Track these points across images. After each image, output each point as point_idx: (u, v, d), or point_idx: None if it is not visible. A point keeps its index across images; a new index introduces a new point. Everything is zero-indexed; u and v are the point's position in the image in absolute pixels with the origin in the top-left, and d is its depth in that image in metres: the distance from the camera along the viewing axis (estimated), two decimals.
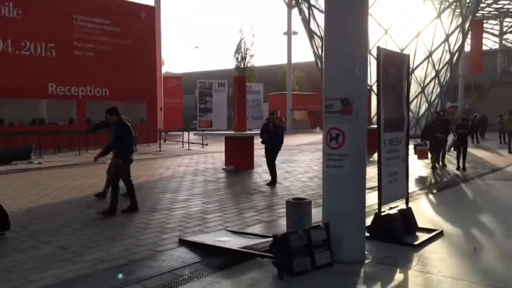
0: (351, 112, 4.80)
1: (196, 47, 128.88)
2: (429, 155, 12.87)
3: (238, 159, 13.04)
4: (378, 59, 5.59)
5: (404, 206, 6.11)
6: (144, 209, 7.41)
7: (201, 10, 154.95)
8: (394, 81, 6.05)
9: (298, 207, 5.34)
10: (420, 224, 6.12)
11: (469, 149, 13.60)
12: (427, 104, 28.97)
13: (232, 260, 4.72)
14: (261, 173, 12.04)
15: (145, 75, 23.94)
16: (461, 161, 12.69)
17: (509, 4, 51.01)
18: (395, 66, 6.09)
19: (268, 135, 10.04)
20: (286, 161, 15.41)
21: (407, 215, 5.97)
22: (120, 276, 4.34)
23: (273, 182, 10.11)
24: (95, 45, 22.07)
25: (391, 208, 5.96)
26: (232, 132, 14.88)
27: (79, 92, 21.62)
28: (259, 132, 10.58)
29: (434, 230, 5.89)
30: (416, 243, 5.38)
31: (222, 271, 4.50)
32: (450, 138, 13.27)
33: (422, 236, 5.65)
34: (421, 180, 10.87)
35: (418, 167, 12.87)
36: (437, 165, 12.66)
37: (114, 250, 5.18)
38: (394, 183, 5.97)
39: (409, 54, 6.49)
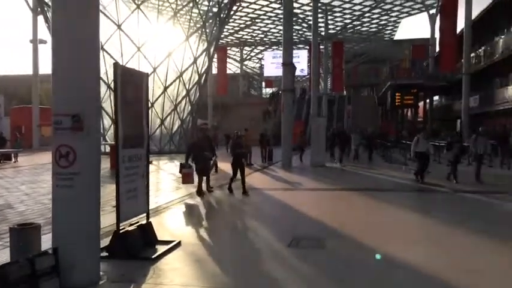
0: (82, 129, 4.63)
1: None
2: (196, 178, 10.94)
3: None
4: (114, 75, 5.57)
5: (145, 221, 6.23)
6: None
7: None
8: (133, 98, 6.13)
9: (22, 233, 4.79)
10: (164, 237, 6.36)
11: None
12: (179, 121, 30.62)
13: None
14: None
15: None
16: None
17: (247, 35, 59.16)
18: (134, 84, 6.19)
19: None
20: (28, 181, 13.81)
21: (147, 230, 6.10)
22: None
23: None
24: None
25: (131, 225, 5.98)
26: None
27: None
28: None
29: (172, 241, 6.18)
30: (153, 256, 5.54)
31: None
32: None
33: (161, 249, 5.86)
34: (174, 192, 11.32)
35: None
36: (204, 190, 10.93)
37: None
38: (133, 200, 6.00)
39: (147, 73, 6.69)
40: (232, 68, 67.06)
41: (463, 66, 30.10)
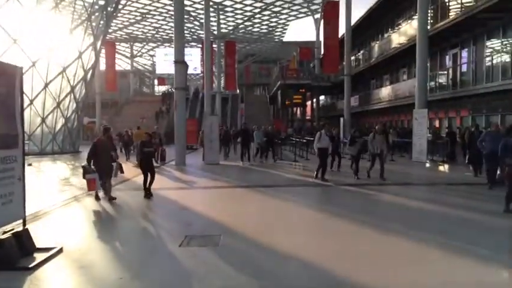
0: None
1: None
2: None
3: None
4: None
5: (21, 228, 5.71)
6: None
7: None
8: (4, 94, 5.58)
9: None
10: (44, 244, 5.88)
11: None
12: (63, 120, 28.53)
13: None
14: None
15: None
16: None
17: (137, 31, 57.16)
18: (6, 78, 5.63)
19: None
20: None
21: (23, 237, 5.59)
22: None
23: None
24: None
25: (5, 232, 5.44)
26: None
27: None
28: None
29: (53, 248, 5.75)
30: (30, 265, 5.09)
31: None
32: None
33: (40, 257, 5.41)
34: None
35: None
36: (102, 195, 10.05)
37: None
38: (8, 205, 5.48)
39: (21, 67, 6.11)
40: (123, 64, 64.41)
41: (344, 69, 32.44)
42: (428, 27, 21.00)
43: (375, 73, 35.74)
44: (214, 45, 45.09)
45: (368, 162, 13.90)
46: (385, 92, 31.99)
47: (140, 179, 10.65)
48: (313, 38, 48.82)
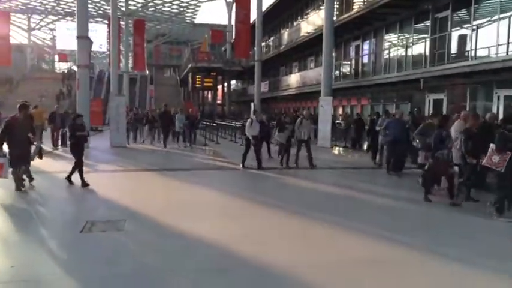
0: None
1: None
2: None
3: None
4: None
5: None
6: None
7: None
8: None
9: None
10: None
11: None
12: None
13: None
14: None
15: None
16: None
17: (35, 1, 52.49)
18: None
19: None
20: None
21: None
22: None
23: None
24: None
25: None
26: None
27: None
28: None
29: None
30: None
31: None
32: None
33: None
34: None
35: None
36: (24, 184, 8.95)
37: None
38: None
39: None
40: (19, 37, 58.94)
41: (255, 54, 32.85)
42: (334, 18, 21.97)
43: (284, 60, 36.69)
44: (122, 23, 42.99)
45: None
46: (294, 78, 33.06)
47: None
48: (225, 22, 48.67)
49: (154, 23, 57.48)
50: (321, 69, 21.74)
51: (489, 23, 14.91)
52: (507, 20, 13.65)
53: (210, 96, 50.85)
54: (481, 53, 14.98)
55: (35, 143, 9.28)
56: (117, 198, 8.17)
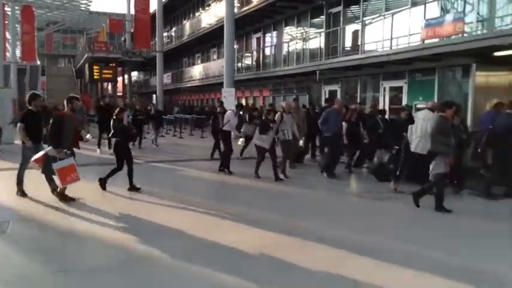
0: None
1: None
2: None
3: None
4: None
5: None
6: None
7: None
8: None
9: None
10: None
11: None
12: None
13: None
14: None
15: None
16: None
17: None
18: None
19: None
20: None
21: None
22: None
23: None
24: None
25: None
26: None
27: None
28: None
29: None
30: None
31: None
32: None
33: None
34: None
35: None
36: None
37: None
38: None
39: None
40: None
41: (156, 45, 32.01)
42: (235, 10, 22.14)
43: (187, 51, 36.24)
44: (7, 9, 39.13)
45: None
46: (197, 70, 32.79)
47: None
48: (124, 10, 46.68)
49: (44, 9, 53.16)
50: (224, 60, 21.83)
51: (377, 19, 16.12)
52: (390, 17, 14.90)
53: (110, 87, 48.51)
54: (370, 47, 16.15)
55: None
56: (3, 199, 7.49)
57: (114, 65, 37.95)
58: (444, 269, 4.55)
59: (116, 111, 8.44)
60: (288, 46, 22.34)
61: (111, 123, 8.28)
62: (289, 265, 4.60)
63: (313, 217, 6.67)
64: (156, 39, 32.04)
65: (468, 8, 12.69)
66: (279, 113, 10.04)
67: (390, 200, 7.84)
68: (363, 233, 5.78)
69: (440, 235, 5.86)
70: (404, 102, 14.53)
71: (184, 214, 6.75)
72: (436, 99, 12.65)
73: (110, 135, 9.36)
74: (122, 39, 46.32)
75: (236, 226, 6.08)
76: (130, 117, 10.86)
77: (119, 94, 48.68)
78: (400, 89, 15.08)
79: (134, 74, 49.74)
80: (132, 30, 38.72)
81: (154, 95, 29.81)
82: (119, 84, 49.21)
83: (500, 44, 10.43)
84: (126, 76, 46.29)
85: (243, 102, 26.83)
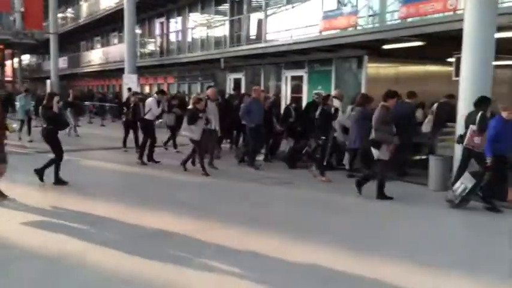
0: None
1: None
2: None
3: None
4: None
5: None
6: None
7: None
8: None
9: None
10: None
11: None
12: None
13: None
14: None
15: None
16: None
17: None
18: None
19: None
20: None
21: None
22: None
23: None
24: None
25: None
26: None
27: None
28: None
29: None
30: None
31: None
32: None
33: None
34: None
35: None
36: None
37: None
38: None
39: None
40: None
41: (50, 26, 29.66)
42: None
43: (85, 34, 34.10)
44: None
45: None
46: (97, 54, 30.99)
47: None
48: None
49: None
50: (125, 45, 20.87)
51: (279, 10, 16.47)
52: (291, 8, 15.34)
53: None
54: (273, 36, 16.47)
55: None
56: None
57: (1, 47, 34.55)
58: None
59: (45, 98, 7.69)
60: (192, 33, 22.00)
61: (40, 111, 7.77)
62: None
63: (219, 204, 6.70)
64: (50, 19, 29.63)
65: (362, 2, 13.40)
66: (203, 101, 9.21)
67: (287, 185, 8.14)
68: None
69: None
70: (305, 91, 15.13)
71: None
72: (333, 88, 13.32)
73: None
74: (11, 18, 42.19)
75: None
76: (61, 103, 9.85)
77: (7, 79, 44.50)
78: (300, 78, 15.62)
79: (26, 58, 45.73)
80: (22, 10, 35.37)
81: (48, 80, 27.59)
82: (8, 68, 44.95)
83: (388, 37, 11.26)
84: (16, 60, 42.45)
85: (164, 89, 25.90)
